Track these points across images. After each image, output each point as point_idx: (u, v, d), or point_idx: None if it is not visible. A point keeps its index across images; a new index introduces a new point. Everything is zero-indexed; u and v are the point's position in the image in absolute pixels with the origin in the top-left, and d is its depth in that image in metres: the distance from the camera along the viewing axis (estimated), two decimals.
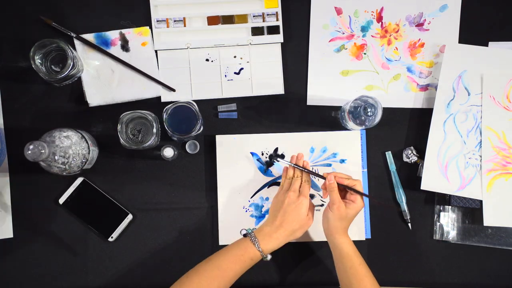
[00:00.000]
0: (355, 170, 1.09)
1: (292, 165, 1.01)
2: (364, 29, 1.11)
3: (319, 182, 1.09)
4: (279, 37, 1.10)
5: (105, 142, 1.07)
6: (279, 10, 1.10)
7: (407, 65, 1.11)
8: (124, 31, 1.08)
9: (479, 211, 1.06)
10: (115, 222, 1.06)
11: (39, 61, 1.01)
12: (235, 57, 1.10)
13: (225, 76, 1.10)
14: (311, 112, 1.10)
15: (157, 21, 1.09)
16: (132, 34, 1.09)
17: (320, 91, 1.10)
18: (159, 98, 1.09)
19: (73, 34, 1.07)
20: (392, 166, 1.09)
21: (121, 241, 1.07)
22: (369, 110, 0.98)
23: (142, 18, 1.09)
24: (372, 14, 1.11)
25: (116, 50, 1.08)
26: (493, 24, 1.11)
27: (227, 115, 1.09)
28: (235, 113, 1.09)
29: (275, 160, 1.08)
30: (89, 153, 0.99)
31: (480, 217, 1.06)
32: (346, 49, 1.11)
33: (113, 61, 1.08)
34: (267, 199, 1.09)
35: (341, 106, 1.08)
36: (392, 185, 1.09)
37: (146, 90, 1.08)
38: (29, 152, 0.88)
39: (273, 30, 1.10)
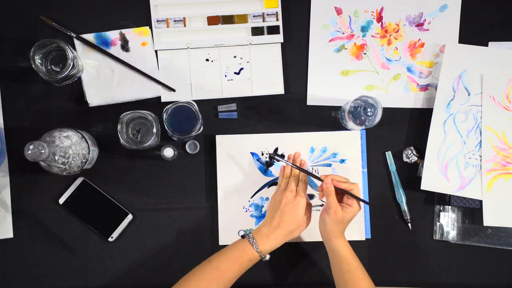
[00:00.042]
0: (355, 170, 1.08)
1: (292, 165, 1.01)
2: (364, 29, 1.11)
3: (319, 182, 1.09)
4: (279, 37, 1.10)
5: (105, 142, 1.07)
6: (279, 10, 1.10)
7: (407, 65, 1.11)
8: (124, 31, 1.08)
9: (479, 211, 1.06)
10: (115, 222, 1.06)
11: (39, 61, 1.01)
12: (235, 57, 1.10)
13: (225, 76, 1.10)
14: (311, 112, 1.10)
15: (157, 21, 1.09)
16: (132, 34, 1.09)
17: (320, 91, 1.10)
18: (159, 98, 1.09)
19: (73, 34, 1.07)
20: (392, 166, 1.09)
21: (121, 241, 1.07)
22: (369, 110, 0.98)
23: (142, 18, 1.09)
24: (372, 14, 1.11)
25: (116, 50, 1.08)
26: (493, 24, 1.11)
27: (227, 115, 1.09)
28: (235, 113, 1.09)
29: (275, 160, 1.08)
30: (89, 153, 0.99)
31: (480, 217, 1.06)
32: (346, 49, 1.11)
33: (113, 61, 1.08)
34: (267, 199, 1.08)
35: (341, 106, 1.08)
36: (392, 185, 1.09)
37: (146, 90, 1.08)
38: (29, 152, 0.88)
39: (273, 30, 1.10)
